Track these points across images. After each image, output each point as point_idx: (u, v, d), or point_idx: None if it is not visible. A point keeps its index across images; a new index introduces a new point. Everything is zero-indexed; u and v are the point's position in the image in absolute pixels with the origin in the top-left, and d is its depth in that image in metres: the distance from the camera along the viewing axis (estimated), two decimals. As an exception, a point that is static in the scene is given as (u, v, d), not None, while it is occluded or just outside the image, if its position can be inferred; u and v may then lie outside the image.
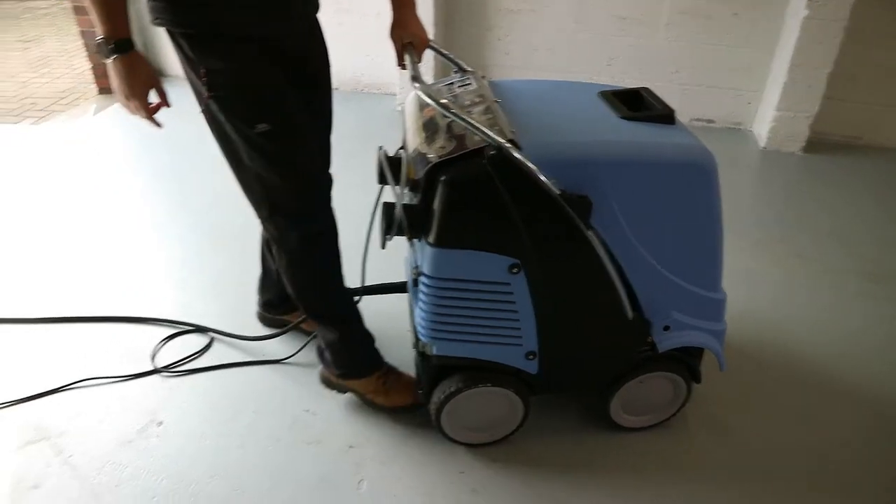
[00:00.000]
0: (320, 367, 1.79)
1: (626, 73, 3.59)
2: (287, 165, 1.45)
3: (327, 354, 1.74)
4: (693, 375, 1.66)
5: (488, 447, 1.70)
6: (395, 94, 3.86)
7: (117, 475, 1.61)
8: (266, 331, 2.05)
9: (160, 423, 1.75)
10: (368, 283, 1.79)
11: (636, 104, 1.50)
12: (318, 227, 1.56)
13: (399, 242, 1.44)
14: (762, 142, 3.45)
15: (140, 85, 1.33)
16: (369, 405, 1.78)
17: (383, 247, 1.35)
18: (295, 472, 1.64)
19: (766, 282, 2.40)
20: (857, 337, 2.15)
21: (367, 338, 1.78)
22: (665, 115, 1.45)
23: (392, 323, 2.07)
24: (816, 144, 3.42)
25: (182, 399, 1.84)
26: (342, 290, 1.70)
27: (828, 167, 3.32)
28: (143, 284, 2.29)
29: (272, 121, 1.38)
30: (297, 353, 1.98)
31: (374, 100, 3.94)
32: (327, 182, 1.59)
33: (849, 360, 2.04)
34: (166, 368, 1.92)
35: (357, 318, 1.75)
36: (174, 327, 2.07)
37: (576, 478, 1.64)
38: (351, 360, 1.75)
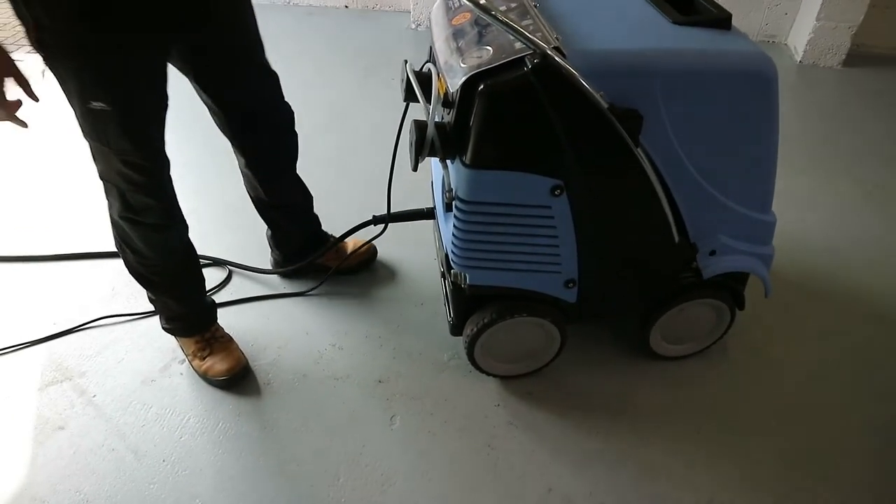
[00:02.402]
0: None
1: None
2: (122, 147, 1.27)
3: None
4: (737, 302, 1.58)
5: (523, 379, 1.64)
6: (408, 12, 3.64)
7: (142, 414, 1.57)
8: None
9: (182, 361, 1.69)
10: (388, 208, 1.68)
11: (687, 8, 1.36)
12: (147, 212, 1.39)
13: (423, 166, 1.33)
14: (798, 56, 3.26)
15: None
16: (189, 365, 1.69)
17: (415, 168, 1.24)
18: (324, 409, 1.59)
19: (814, 205, 2.28)
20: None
21: (195, 304, 1.65)
22: (721, 20, 1.30)
23: (418, 251, 2.00)
24: (857, 58, 3.22)
25: (203, 335, 1.77)
26: (168, 271, 1.54)
27: (871, 81, 3.13)
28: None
29: (110, 100, 1.19)
30: (319, 285, 1.90)
31: (387, 18, 3.73)
32: (163, 164, 1.39)
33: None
34: (185, 304, 1.86)
35: (184, 288, 1.61)
36: (190, 262, 1.99)
37: (613, 408, 1.59)
38: (171, 318, 1.65)
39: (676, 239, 1.35)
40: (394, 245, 1.98)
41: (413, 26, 3.60)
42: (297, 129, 1.67)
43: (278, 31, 3.48)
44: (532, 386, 1.63)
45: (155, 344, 1.74)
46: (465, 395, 1.62)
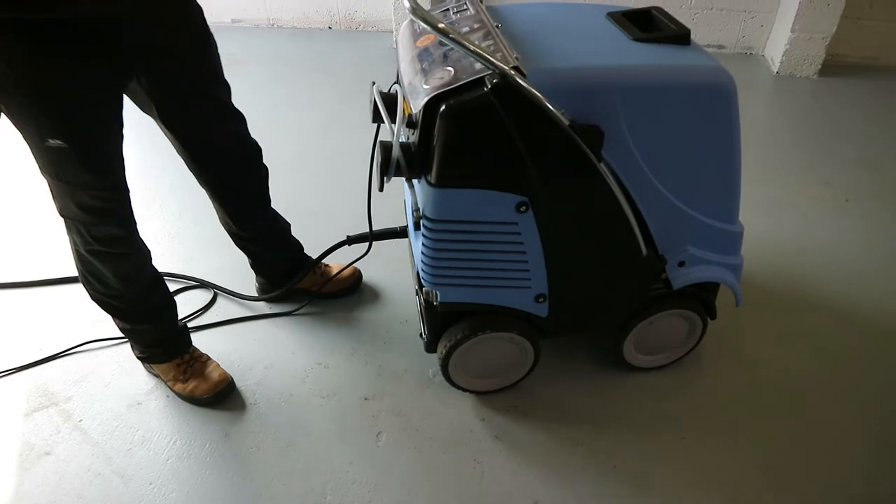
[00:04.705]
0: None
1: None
2: (84, 181, 1.28)
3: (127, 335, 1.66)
4: (708, 311, 1.61)
5: (507, 393, 1.66)
6: (391, 31, 3.71)
7: (129, 438, 1.59)
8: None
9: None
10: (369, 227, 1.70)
11: (648, 25, 1.40)
12: (113, 243, 1.41)
13: (398, 184, 1.36)
14: (775, 67, 3.30)
15: None
16: (171, 390, 1.70)
17: (381, 189, 1.27)
18: (311, 428, 1.61)
19: (790, 211, 2.31)
20: (887, 269, 2.06)
21: (170, 326, 1.66)
22: (680, 36, 1.34)
23: (401, 270, 2.02)
24: (832, 67, 3.27)
25: (189, 358, 1.79)
26: (140, 298, 1.55)
27: (845, 90, 3.17)
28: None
29: (68, 138, 1.20)
30: (303, 306, 1.93)
31: (370, 38, 3.78)
32: (126, 192, 1.38)
33: (876, 292, 1.96)
34: (171, 328, 1.88)
35: (158, 314, 1.61)
36: (175, 282, 2.02)
37: (597, 419, 1.61)
38: (148, 345, 1.66)
39: (644, 251, 1.38)
40: (377, 264, 2.00)
41: (395, 46, 3.64)
42: (273, 157, 1.69)
43: (263, 52, 3.54)
44: (516, 400, 1.65)
45: (141, 367, 1.76)
46: (450, 410, 1.64)
